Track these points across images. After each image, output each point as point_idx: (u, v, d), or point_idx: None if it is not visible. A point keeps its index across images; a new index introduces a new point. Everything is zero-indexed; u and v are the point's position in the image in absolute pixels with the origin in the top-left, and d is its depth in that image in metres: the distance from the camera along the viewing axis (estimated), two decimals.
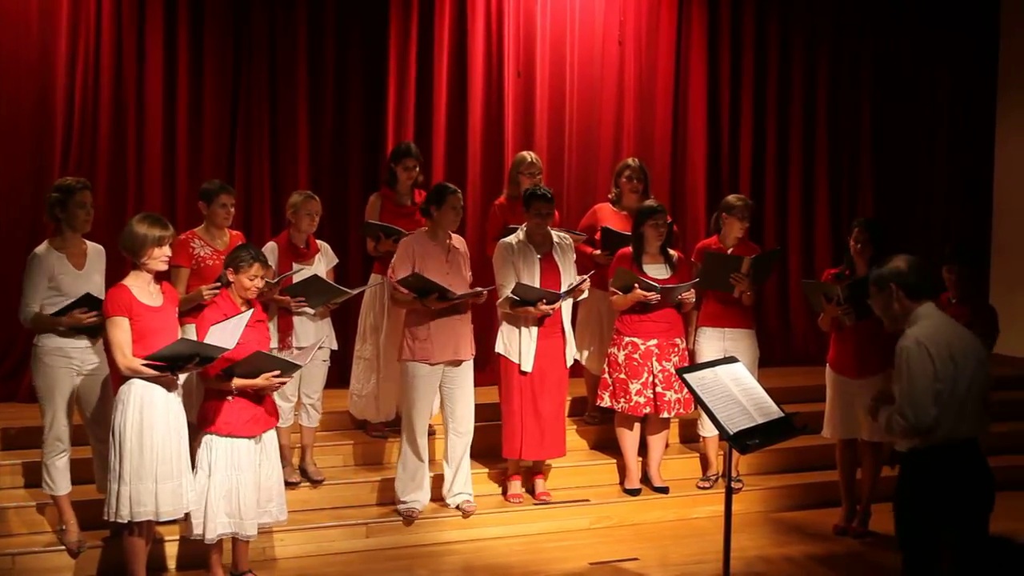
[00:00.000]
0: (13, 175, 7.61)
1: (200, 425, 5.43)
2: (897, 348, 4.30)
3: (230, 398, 5.33)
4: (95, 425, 5.70)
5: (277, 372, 5.35)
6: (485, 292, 6.42)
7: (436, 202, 6.30)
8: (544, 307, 6.46)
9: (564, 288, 6.55)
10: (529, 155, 7.30)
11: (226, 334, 5.17)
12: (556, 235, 6.74)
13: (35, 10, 7.61)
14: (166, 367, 5.11)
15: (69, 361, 5.62)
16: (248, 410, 5.40)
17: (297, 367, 5.51)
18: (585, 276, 6.63)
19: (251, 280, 5.41)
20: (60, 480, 5.70)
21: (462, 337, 6.37)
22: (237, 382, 5.30)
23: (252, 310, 5.41)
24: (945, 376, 4.21)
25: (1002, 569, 2.72)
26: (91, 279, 5.64)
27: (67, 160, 7.65)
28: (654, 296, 6.61)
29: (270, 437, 5.60)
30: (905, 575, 4.47)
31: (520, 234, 6.64)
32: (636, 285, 6.62)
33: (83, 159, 7.70)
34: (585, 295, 6.89)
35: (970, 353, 4.32)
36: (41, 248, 5.71)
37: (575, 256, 6.82)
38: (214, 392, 5.38)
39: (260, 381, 5.31)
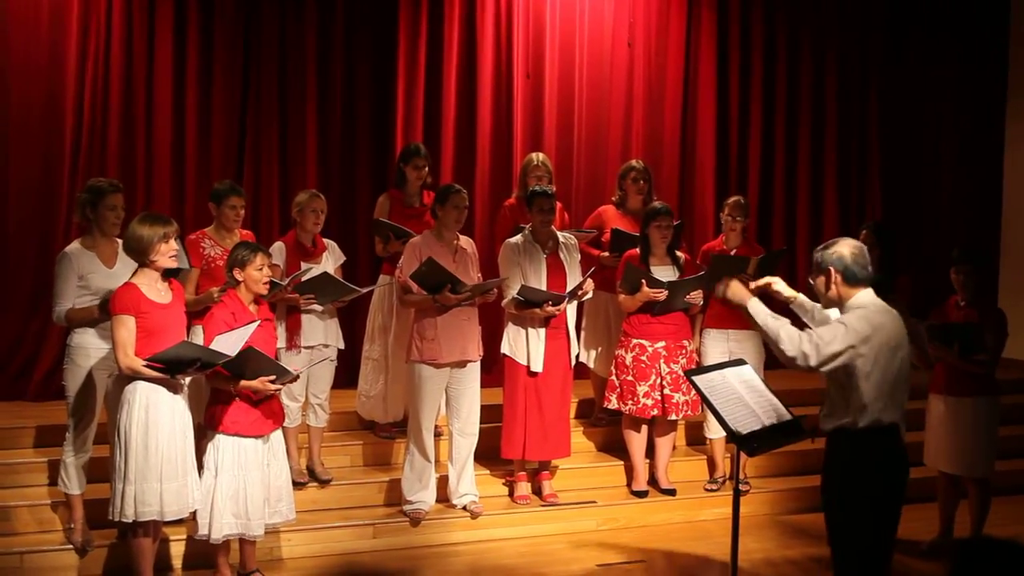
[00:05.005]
0: (24, 176, 7.63)
1: (207, 425, 5.45)
2: (842, 316, 4.39)
3: (232, 389, 5.32)
4: None
5: (272, 377, 5.36)
6: (495, 289, 6.41)
7: (440, 201, 6.31)
8: (550, 308, 6.46)
9: (569, 288, 6.56)
10: (537, 157, 7.31)
11: (230, 342, 5.17)
12: (561, 235, 6.76)
13: (45, 12, 7.63)
14: (166, 370, 5.11)
15: (101, 361, 5.62)
16: (255, 410, 5.41)
17: (290, 373, 5.48)
18: (587, 275, 6.62)
19: (259, 271, 5.42)
20: (78, 479, 5.72)
21: (470, 338, 6.37)
22: (240, 383, 5.30)
23: (258, 321, 5.39)
24: (878, 360, 4.29)
25: (1009, 572, 2.71)
26: (121, 278, 5.45)
27: (77, 161, 7.67)
28: (662, 294, 6.61)
29: (277, 437, 5.61)
30: (833, 556, 4.56)
31: (526, 234, 6.65)
32: (644, 282, 6.62)
33: (92, 160, 7.71)
34: (589, 295, 6.89)
35: (901, 338, 4.41)
36: (71, 247, 5.70)
37: (580, 256, 6.83)
38: (221, 392, 5.39)
39: (256, 384, 5.31)
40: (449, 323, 6.27)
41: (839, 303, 4.46)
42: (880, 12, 9.83)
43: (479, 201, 8.45)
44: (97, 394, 5.66)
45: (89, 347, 5.64)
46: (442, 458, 6.77)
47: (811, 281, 4.59)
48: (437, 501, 6.57)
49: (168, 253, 5.19)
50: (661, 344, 6.78)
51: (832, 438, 4.53)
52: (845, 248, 4.43)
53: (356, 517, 6.48)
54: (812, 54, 9.68)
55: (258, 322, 5.37)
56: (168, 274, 5.32)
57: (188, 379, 5.34)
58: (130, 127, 7.88)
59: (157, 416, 5.14)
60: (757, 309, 4.51)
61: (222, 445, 5.39)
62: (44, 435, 6.61)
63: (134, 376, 5.13)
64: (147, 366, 5.08)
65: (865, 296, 4.42)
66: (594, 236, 7.36)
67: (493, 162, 8.65)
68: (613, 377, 6.94)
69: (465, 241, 6.50)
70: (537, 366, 6.56)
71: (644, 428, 6.98)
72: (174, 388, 5.23)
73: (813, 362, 4.30)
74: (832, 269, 4.42)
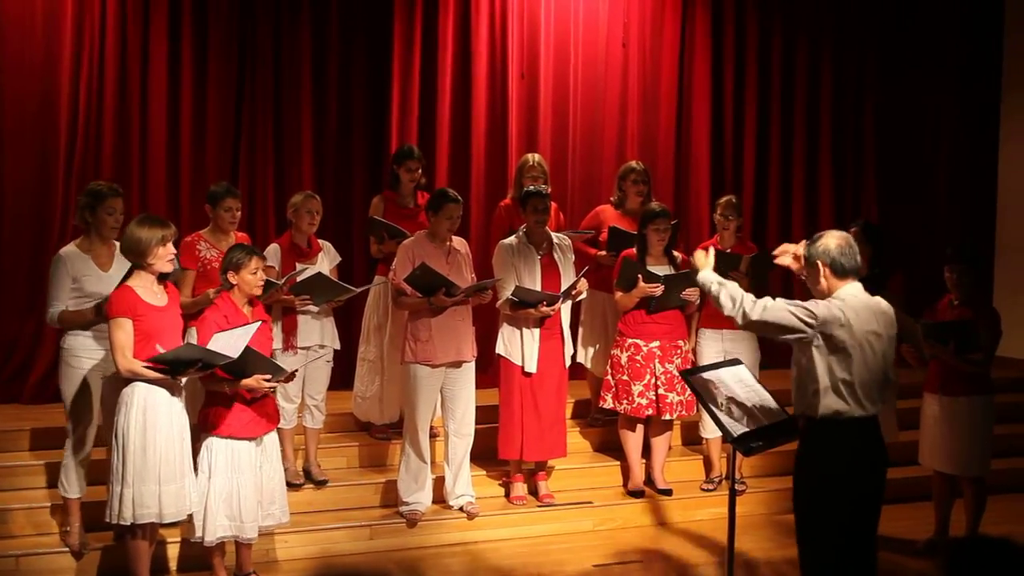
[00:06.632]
0: (18, 178, 7.62)
1: (201, 427, 5.44)
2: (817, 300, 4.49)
3: (227, 389, 5.30)
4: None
5: (268, 376, 5.35)
6: (491, 286, 6.41)
7: (433, 209, 6.32)
8: (544, 308, 6.47)
9: (563, 289, 6.57)
10: (533, 158, 7.32)
11: (232, 342, 5.16)
12: (555, 236, 6.76)
13: (40, 13, 7.61)
14: (167, 371, 5.11)
15: (94, 363, 5.62)
16: (248, 412, 5.40)
17: (285, 371, 5.47)
18: (581, 275, 6.62)
19: (254, 275, 5.41)
20: (78, 483, 5.71)
21: (464, 339, 6.38)
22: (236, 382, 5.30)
23: (260, 322, 5.40)
24: (845, 350, 4.37)
25: (1001, 570, 2.72)
26: (115, 282, 5.41)
27: (71, 163, 7.66)
28: (658, 288, 6.61)
29: (271, 439, 5.60)
30: (801, 554, 4.63)
31: (520, 235, 6.66)
32: (640, 277, 6.63)
33: (87, 162, 7.71)
34: (583, 295, 6.90)
35: (884, 335, 4.49)
36: (66, 249, 5.69)
37: (574, 256, 6.84)
38: (215, 395, 5.39)
39: (250, 382, 5.30)
40: (443, 324, 6.28)
41: (829, 295, 4.50)
42: (875, 10, 9.84)
43: (474, 202, 8.44)
44: (93, 396, 5.65)
45: (82, 349, 5.63)
46: (438, 459, 6.77)
47: (803, 277, 4.64)
48: (433, 502, 6.57)
49: (166, 257, 5.19)
50: (656, 344, 6.79)
51: (805, 434, 4.59)
52: (832, 240, 4.51)
53: (352, 518, 6.48)
54: (807, 51, 9.67)
55: (260, 323, 5.38)
56: (161, 277, 5.31)
57: (185, 380, 5.33)
58: (125, 127, 7.86)
59: (155, 418, 5.14)
60: (706, 277, 4.66)
61: (215, 447, 5.38)
62: (40, 438, 6.61)
63: (131, 378, 5.13)
64: (147, 367, 5.08)
65: (852, 288, 4.48)
66: (591, 236, 7.36)
67: (488, 163, 8.65)
68: (609, 377, 6.95)
69: (458, 242, 6.50)
70: (531, 367, 6.57)
71: (640, 428, 6.99)
72: (172, 389, 5.23)
73: (754, 316, 4.43)
74: (820, 262, 4.49)
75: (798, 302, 4.44)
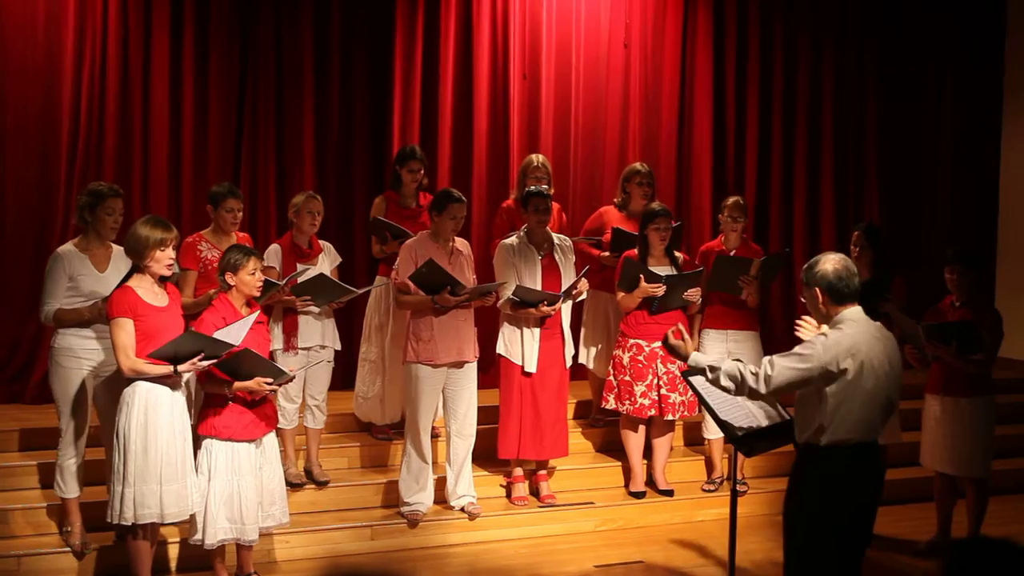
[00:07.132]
0: (20, 179, 7.62)
1: (200, 429, 5.43)
2: (815, 337, 4.40)
3: (227, 392, 5.30)
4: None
5: (269, 379, 5.35)
6: (494, 290, 6.40)
7: (437, 209, 6.31)
8: (545, 308, 6.47)
9: (563, 288, 6.57)
10: (537, 158, 7.31)
11: (232, 334, 5.17)
12: (556, 236, 6.77)
13: (42, 15, 7.62)
14: (170, 362, 5.10)
15: (86, 363, 5.62)
16: (248, 414, 5.39)
17: (285, 374, 5.46)
18: (581, 275, 6.62)
19: (252, 275, 5.40)
20: (71, 483, 5.71)
21: (466, 339, 6.37)
22: (234, 384, 5.29)
23: (258, 312, 5.40)
24: (851, 379, 4.28)
25: (1003, 571, 2.72)
26: (111, 283, 5.44)
27: (73, 164, 7.66)
28: (660, 289, 6.61)
29: (270, 440, 5.59)
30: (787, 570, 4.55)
31: (521, 235, 6.66)
32: (642, 277, 6.63)
33: (89, 162, 7.70)
34: (584, 296, 6.90)
35: (886, 360, 4.38)
36: (64, 247, 5.69)
37: (577, 257, 6.84)
38: (214, 397, 5.38)
39: (252, 384, 5.30)
40: (445, 324, 6.27)
41: (828, 319, 4.45)
42: (877, 11, 9.84)
43: (476, 203, 8.44)
44: (86, 395, 5.65)
45: (74, 348, 5.61)
46: (440, 459, 6.77)
47: (802, 299, 4.61)
48: (435, 502, 6.58)
49: (163, 261, 5.18)
50: (658, 344, 6.77)
51: (798, 451, 4.52)
52: (829, 266, 4.42)
53: (354, 519, 6.48)
54: (808, 52, 9.66)
55: (258, 312, 5.39)
56: (161, 278, 5.31)
57: (187, 375, 5.32)
58: (127, 128, 7.86)
59: (156, 418, 5.15)
60: (696, 361, 4.55)
61: (215, 450, 5.37)
62: (41, 438, 6.59)
63: (134, 378, 5.13)
64: (150, 363, 5.08)
65: (852, 313, 4.41)
66: (597, 241, 7.35)
67: (490, 164, 8.65)
68: (611, 377, 6.95)
69: (461, 243, 6.50)
70: (531, 366, 6.57)
71: (642, 428, 6.99)
72: (174, 386, 5.23)
73: (764, 392, 4.36)
74: (817, 289, 4.43)
75: (795, 354, 4.34)
